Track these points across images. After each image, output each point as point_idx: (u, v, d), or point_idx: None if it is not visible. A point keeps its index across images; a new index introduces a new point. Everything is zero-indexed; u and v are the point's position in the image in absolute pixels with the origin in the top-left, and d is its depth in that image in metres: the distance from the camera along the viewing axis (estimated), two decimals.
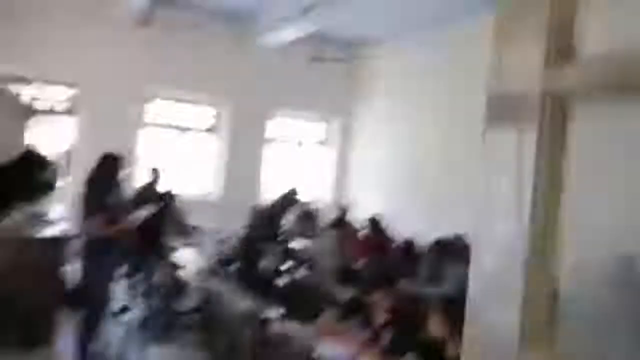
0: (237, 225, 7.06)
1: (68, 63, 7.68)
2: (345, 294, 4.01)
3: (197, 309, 5.18)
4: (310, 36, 7.74)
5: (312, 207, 8.27)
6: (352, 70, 9.95)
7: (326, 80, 9.45)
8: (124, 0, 7.19)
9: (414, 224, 7.51)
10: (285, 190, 8.24)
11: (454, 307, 4.01)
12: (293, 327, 3.49)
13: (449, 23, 7.48)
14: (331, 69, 8.19)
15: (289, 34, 7.95)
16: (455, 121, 7.76)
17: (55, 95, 8.08)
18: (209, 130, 9.38)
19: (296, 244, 6.11)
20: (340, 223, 7.04)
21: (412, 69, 8.79)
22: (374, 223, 5.73)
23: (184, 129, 9.16)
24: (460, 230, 5.82)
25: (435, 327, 2.49)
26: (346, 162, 10.31)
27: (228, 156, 9.18)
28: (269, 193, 9.53)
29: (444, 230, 6.49)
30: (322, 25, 7.38)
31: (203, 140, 9.40)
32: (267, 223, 5.26)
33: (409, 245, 5.32)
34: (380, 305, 2.70)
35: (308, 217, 7.67)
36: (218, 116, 9.34)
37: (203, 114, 9.34)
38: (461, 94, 7.62)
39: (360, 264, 5.22)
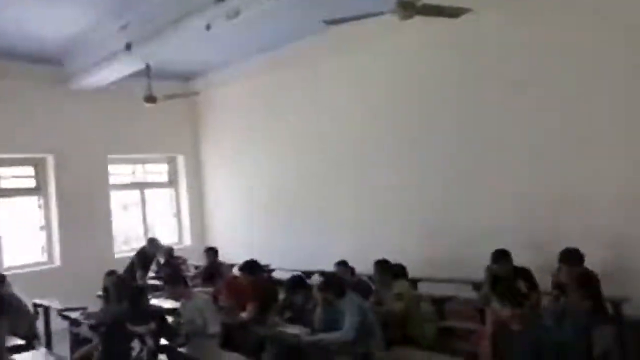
0: (86, 296, 6.16)
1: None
2: None
3: None
4: (141, 73, 7.10)
5: (176, 254, 7.63)
6: (192, 103, 9.50)
7: (165, 117, 8.84)
8: None
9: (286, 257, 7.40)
10: (143, 242, 7.44)
11: None
12: None
13: (273, 49, 7.57)
14: (169, 105, 7.65)
15: (112, 73, 7.22)
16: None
17: None
18: (30, 191, 8.07)
19: (166, 303, 5.43)
20: (212, 271, 6.50)
21: (248, 94, 8.66)
22: (252, 265, 5.33)
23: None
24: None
25: None
26: (200, 201, 9.76)
27: (60, 216, 7.98)
28: (124, 246, 8.64)
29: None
30: (148, 60, 6.81)
31: (25, 203, 8.08)
32: (126, 291, 4.51)
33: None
34: None
35: (172, 266, 7.00)
36: (39, 172, 8.09)
37: (23, 173, 8.05)
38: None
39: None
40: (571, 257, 4.26)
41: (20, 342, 4.54)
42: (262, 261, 6.66)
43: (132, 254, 7.42)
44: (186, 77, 9.23)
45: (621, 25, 4.83)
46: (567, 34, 5.14)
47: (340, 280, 4.44)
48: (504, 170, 5.70)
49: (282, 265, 7.13)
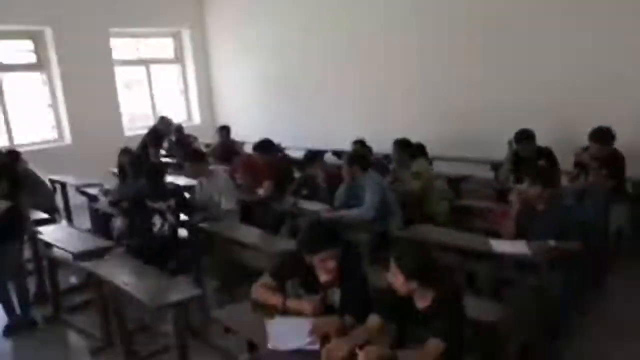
0: (98, 174, 6.19)
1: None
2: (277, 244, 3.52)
3: None
4: None
5: (186, 132, 7.52)
6: None
7: None
8: None
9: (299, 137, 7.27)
10: (152, 120, 7.28)
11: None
12: None
13: None
14: None
15: None
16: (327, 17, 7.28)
17: None
18: (32, 66, 7.75)
19: (180, 180, 5.44)
20: (226, 149, 6.41)
21: None
22: (266, 144, 5.22)
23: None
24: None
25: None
26: (207, 78, 9.43)
27: (66, 93, 7.75)
28: (130, 126, 8.53)
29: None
30: None
31: (29, 79, 7.81)
32: (144, 169, 4.45)
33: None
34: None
35: (184, 144, 6.93)
36: (39, 46, 7.69)
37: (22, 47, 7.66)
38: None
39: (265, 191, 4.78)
40: (603, 135, 4.10)
41: (43, 215, 4.62)
42: (275, 140, 6.62)
43: (141, 131, 7.33)
44: None
45: None
46: None
47: (366, 154, 4.37)
48: (529, 51, 5.34)
49: (295, 144, 7.05)
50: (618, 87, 4.77)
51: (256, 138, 5.51)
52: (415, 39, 6.26)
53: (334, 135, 6.92)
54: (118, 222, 4.38)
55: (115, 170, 6.01)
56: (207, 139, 8.05)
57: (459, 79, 5.97)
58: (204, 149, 7.48)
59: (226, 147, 6.69)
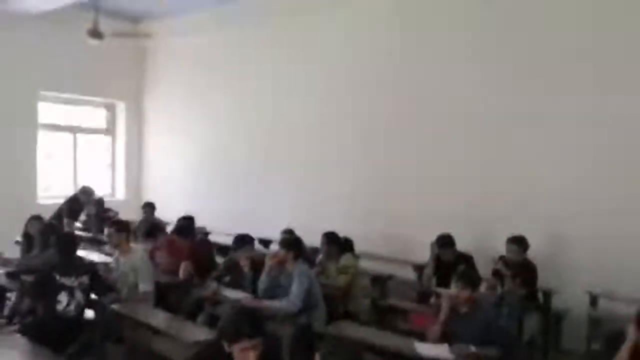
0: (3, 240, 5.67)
1: None
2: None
3: None
4: (87, 5, 6.50)
5: (107, 207, 7.16)
6: (141, 47, 8.88)
7: (109, 59, 8.25)
8: None
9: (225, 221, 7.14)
10: (74, 189, 6.90)
11: None
12: None
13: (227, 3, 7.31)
14: (115, 47, 7.11)
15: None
16: (254, 102, 7.54)
17: None
18: None
19: (95, 256, 5.07)
20: (150, 226, 6.15)
21: (204, 47, 8.20)
22: (186, 227, 5.07)
23: None
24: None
25: None
26: (138, 153, 9.23)
27: None
28: (48, 193, 8.02)
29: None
30: None
31: None
32: (55, 239, 4.11)
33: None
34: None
35: (104, 218, 6.56)
36: None
37: None
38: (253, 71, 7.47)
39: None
40: (519, 240, 4.47)
41: None
42: (200, 223, 6.45)
43: (57, 201, 6.90)
44: (135, 18, 8.58)
45: None
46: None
47: (301, 242, 4.34)
48: (446, 154, 5.75)
49: (221, 229, 6.89)
50: (531, 204, 5.16)
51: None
52: (350, 136, 6.56)
53: (261, 222, 6.86)
54: (14, 297, 3.95)
55: (20, 239, 5.54)
56: (130, 215, 7.68)
57: (387, 181, 6.23)
58: None
59: (150, 224, 6.42)
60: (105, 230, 4.49)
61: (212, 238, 6.51)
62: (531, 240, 4.54)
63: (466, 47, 5.57)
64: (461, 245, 4.87)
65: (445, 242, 4.75)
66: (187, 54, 8.47)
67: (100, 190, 8.22)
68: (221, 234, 6.47)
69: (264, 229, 6.39)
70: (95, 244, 6.17)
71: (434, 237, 4.87)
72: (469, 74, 5.52)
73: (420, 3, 5.93)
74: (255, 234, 5.87)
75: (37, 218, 5.18)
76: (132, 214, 7.69)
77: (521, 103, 5.20)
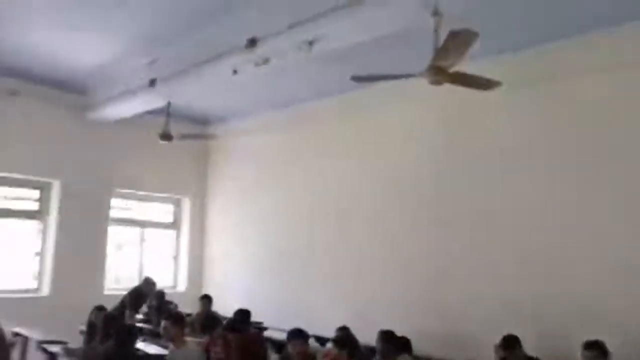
0: (68, 330, 5.88)
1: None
2: None
3: None
4: (159, 111, 7.15)
5: (169, 299, 7.31)
6: (205, 147, 9.50)
7: (176, 158, 8.87)
8: None
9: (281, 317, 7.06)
10: (138, 281, 7.15)
11: None
12: None
13: (293, 105, 7.74)
14: (182, 147, 7.69)
15: (132, 107, 7.25)
16: (311, 203, 7.70)
17: None
18: (31, 214, 7.91)
19: (153, 348, 5.11)
20: (206, 320, 6.19)
21: (262, 147, 8.66)
22: (239, 321, 5.06)
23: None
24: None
25: None
26: (200, 247, 9.53)
27: (57, 243, 7.76)
28: (114, 284, 8.36)
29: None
30: (170, 99, 6.84)
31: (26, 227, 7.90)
32: (115, 330, 4.23)
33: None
34: None
35: (164, 310, 6.66)
36: (43, 197, 7.96)
37: (25, 195, 7.89)
38: (318, 174, 7.70)
39: None
40: (594, 347, 4.03)
41: None
42: (258, 318, 6.40)
43: (122, 292, 7.15)
44: (203, 120, 9.29)
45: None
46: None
47: (355, 340, 4.19)
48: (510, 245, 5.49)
49: (278, 324, 6.77)
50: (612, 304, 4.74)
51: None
52: (408, 230, 6.46)
53: (317, 319, 6.70)
54: None
55: (84, 328, 5.71)
56: (189, 307, 7.78)
57: (447, 276, 5.98)
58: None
59: (206, 317, 6.44)
60: (162, 322, 4.55)
61: (268, 334, 6.42)
62: (611, 347, 4.08)
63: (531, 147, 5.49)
64: (529, 347, 4.49)
65: (510, 344, 4.41)
66: (244, 153, 8.98)
67: (164, 282, 8.46)
68: (278, 329, 6.36)
69: (321, 326, 6.22)
70: (156, 336, 6.23)
71: (498, 338, 4.54)
72: (532, 173, 5.42)
73: (482, 103, 5.81)
74: (312, 330, 5.76)
75: (100, 308, 5.36)
76: (191, 307, 7.80)
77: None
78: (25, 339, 5.92)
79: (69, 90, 7.65)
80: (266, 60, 5.17)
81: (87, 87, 7.60)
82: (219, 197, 9.44)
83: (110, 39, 5.98)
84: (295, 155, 8.10)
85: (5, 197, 7.67)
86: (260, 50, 5.01)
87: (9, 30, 5.73)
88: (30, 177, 7.74)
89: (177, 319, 4.51)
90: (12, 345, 5.50)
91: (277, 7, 4.87)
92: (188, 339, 4.70)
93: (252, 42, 4.91)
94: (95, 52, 6.39)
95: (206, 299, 6.79)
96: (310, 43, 4.62)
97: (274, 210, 8.30)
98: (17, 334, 5.80)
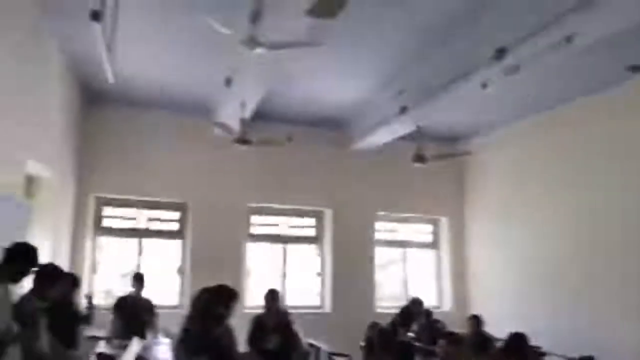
0: (349, 346, 6.47)
1: (176, 186, 7.99)
2: None
3: None
4: (409, 135, 7.47)
5: (436, 318, 7.40)
6: (459, 165, 9.48)
7: (431, 179, 9.04)
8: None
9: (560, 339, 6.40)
10: (406, 301, 7.47)
11: None
12: None
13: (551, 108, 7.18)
14: (435, 167, 7.81)
15: (385, 135, 7.75)
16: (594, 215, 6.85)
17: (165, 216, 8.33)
18: (310, 240, 9.08)
19: None
20: (478, 341, 6.05)
21: (520, 156, 8.13)
22: (517, 344, 4.75)
23: (286, 240, 8.91)
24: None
25: None
26: (462, 266, 9.43)
27: (334, 264, 8.73)
28: (382, 302, 8.92)
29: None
30: (420, 122, 7.08)
31: (305, 250, 9.11)
32: (393, 345, 4.52)
33: None
34: None
35: (433, 329, 6.78)
36: (318, 225, 9.07)
37: (305, 223, 9.11)
38: (592, 178, 6.82)
39: None
40: None
41: None
42: (532, 340, 5.91)
43: (390, 310, 7.54)
44: (453, 138, 9.30)
45: None
46: None
47: None
48: None
49: (554, 349, 6.16)
50: None
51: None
52: None
53: (606, 343, 5.84)
54: None
55: (363, 343, 6.20)
56: (455, 327, 7.72)
57: None
58: None
59: (477, 338, 6.27)
60: (439, 342, 4.62)
61: None
62: None
63: None
64: None
65: None
66: (501, 165, 8.59)
67: (428, 301, 8.61)
68: (557, 355, 5.79)
69: (610, 352, 5.43)
70: (428, 354, 6.35)
71: None
72: None
73: None
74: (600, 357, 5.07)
75: (374, 325, 5.74)
76: (457, 326, 7.71)
77: None
78: (318, 350, 6.75)
79: (332, 128, 8.66)
80: (516, 68, 4.92)
81: (347, 123, 8.48)
82: (478, 214, 9.22)
83: (363, 79, 6.66)
84: (560, 164, 7.37)
85: (289, 225, 8.98)
86: (510, 58, 4.79)
87: (290, 85, 6.83)
88: (309, 208, 8.92)
89: (454, 339, 4.52)
90: (307, 354, 6.33)
91: (522, 11, 4.61)
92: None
93: (501, 52, 4.72)
94: (352, 92, 7.19)
95: (475, 319, 6.63)
96: (568, 39, 4.20)
97: (542, 227, 7.66)
98: (311, 345, 6.65)
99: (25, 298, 3.56)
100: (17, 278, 3.31)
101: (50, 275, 3.72)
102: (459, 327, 7.50)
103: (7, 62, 4.43)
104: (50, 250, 5.95)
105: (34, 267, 3.39)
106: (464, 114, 7.70)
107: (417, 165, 7.15)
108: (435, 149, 7.93)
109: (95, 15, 3.25)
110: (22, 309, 3.38)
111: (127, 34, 4.77)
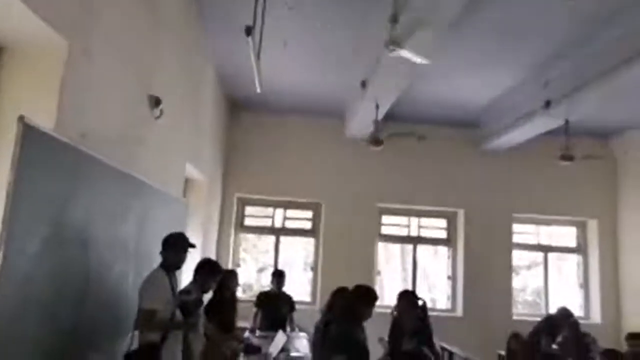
0: (482, 351, 6.24)
1: (310, 186, 8.30)
2: None
3: None
4: (553, 132, 6.92)
5: (585, 331, 6.80)
6: (612, 162, 8.61)
7: (577, 178, 8.34)
8: (353, 125, 7.52)
9: None
10: (543, 308, 7.01)
11: None
12: None
13: None
14: (583, 165, 7.15)
15: (526, 132, 7.25)
16: None
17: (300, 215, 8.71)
18: (441, 241, 8.86)
19: None
20: None
21: None
22: None
23: (416, 241, 8.79)
24: None
25: None
26: (614, 273, 8.52)
27: (466, 267, 8.43)
28: (519, 309, 8.44)
29: None
30: (568, 117, 6.51)
31: (435, 252, 8.92)
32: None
33: None
34: None
35: (580, 343, 6.23)
36: (450, 226, 8.81)
37: (436, 224, 8.91)
38: None
39: None
40: None
41: None
42: None
43: (528, 318, 7.09)
44: (604, 133, 8.44)
45: None
46: None
47: None
48: None
49: None
50: None
51: None
52: None
53: None
54: None
55: (502, 352, 5.91)
56: (607, 343, 7.00)
57: None
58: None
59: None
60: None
61: None
62: None
63: None
64: None
65: None
66: None
67: (573, 311, 7.93)
68: None
69: None
70: None
71: None
72: None
73: None
74: None
75: (516, 335, 5.45)
76: (608, 342, 6.99)
77: None
78: (451, 354, 6.58)
79: (465, 126, 8.36)
80: None
81: (481, 121, 8.12)
82: (635, 217, 8.25)
83: (503, 73, 6.33)
84: None
85: (420, 226, 8.83)
86: None
87: (423, 85, 6.75)
88: (439, 209, 8.70)
89: (612, 356, 4.12)
90: (438, 356, 6.19)
91: None
92: None
93: None
94: (488, 88, 6.86)
95: (636, 339, 5.91)
96: None
97: None
98: (443, 348, 6.51)
99: (186, 289, 3.96)
100: (175, 266, 3.65)
101: (210, 269, 4.09)
102: (611, 343, 6.82)
103: (177, 78, 4.98)
104: (200, 246, 6.55)
105: (185, 253, 3.65)
106: (618, 106, 6.93)
107: (564, 163, 6.59)
108: (581, 144, 7.26)
109: (249, 31, 3.49)
110: (185, 299, 3.76)
111: (269, 44, 5.09)
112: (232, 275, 5.44)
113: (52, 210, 2.58)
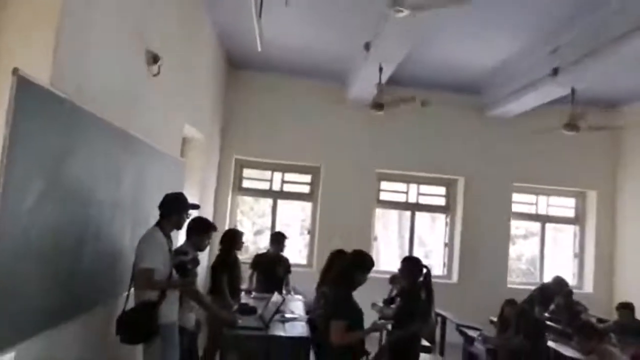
0: (477, 318, 6.32)
1: (310, 149, 8.23)
2: None
3: None
4: (559, 100, 6.81)
5: (577, 300, 6.88)
6: (616, 134, 8.52)
7: (579, 148, 8.30)
8: (355, 89, 7.39)
9: None
10: (538, 278, 7.08)
11: None
12: None
13: None
14: (586, 136, 7.06)
15: (532, 100, 7.13)
16: None
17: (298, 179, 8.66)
18: (439, 209, 8.85)
19: (568, 351, 4.92)
20: (628, 330, 5.53)
21: None
22: None
23: (415, 208, 8.79)
24: None
25: None
26: (610, 245, 8.56)
27: (463, 235, 8.46)
28: (514, 278, 8.52)
29: None
30: (575, 85, 6.37)
31: (432, 219, 8.93)
32: (529, 326, 4.27)
33: None
34: None
35: (572, 311, 6.31)
36: (449, 193, 8.79)
37: (435, 191, 8.88)
38: None
39: None
40: None
41: (426, 344, 4.93)
42: None
43: (522, 287, 7.17)
44: (611, 104, 8.32)
45: None
46: None
47: None
48: None
49: None
50: None
51: None
52: None
53: None
54: None
55: (494, 319, 5.98)
56: (599, 312, 7.11)
57: None
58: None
59: (628, 327, 5.72)
60: (575, 338, 4.28)
61: None
62: None
63: None
64: None
65: None
66: None
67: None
68: None
69: None
70: (565, 336, 5.95)
71: None
72: None
73: None
74: None
75: (511, 302, 5.50)
76: (600, 310, 7.11)
77: None
78: (444, 320, 6.66)
79: (469, 93, 8.22)
80: None
81: (485, 88, 7.98)
82: (635, 189, 8.24)
83: (509, 38, 6.12)
84: None
85: (419, 193, 8.80)
86: None
87: (426, 49, 6.58)
88: (439, 176, 8.65)
89: (587, 331, 4.14)
90: (433, 325, 6.27)
91: None
92: (611, 348, 4.26)
93: None
94: (493, 53, 6.67)
95: (627, 309, 5.99)
96: None
97: None
98: (438, 314, 6.58)
99: (182, 249, 3.94)
100: (176, 226, 3.58)
101: (205, 228, 4.06)
102: (603, 313, 6.93)
103: (175, 38, 4.82)
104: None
105: (185, 212, 3.60)
106: (622, 77, 6.80)
107: (568, 133, 6.50)
108: (587, 114, 7.15)
109: None
110: (182, 259, 3.75)
111: (270, 1, 4.92)
112: (241, 235, 5.47)
113: (48, 165, 2.51)
